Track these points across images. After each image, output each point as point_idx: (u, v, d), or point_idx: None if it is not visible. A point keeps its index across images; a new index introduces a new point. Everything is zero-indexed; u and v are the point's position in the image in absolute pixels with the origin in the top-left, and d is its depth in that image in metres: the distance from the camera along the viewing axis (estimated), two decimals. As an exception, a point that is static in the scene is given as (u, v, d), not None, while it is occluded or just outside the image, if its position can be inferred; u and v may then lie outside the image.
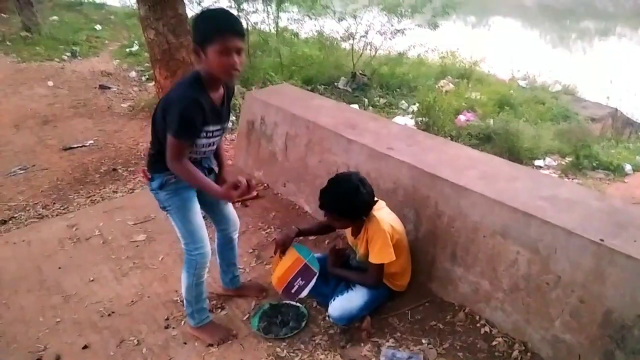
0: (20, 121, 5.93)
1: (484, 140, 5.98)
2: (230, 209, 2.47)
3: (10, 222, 3.73)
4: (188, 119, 1.88)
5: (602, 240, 1.97)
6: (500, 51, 11.16)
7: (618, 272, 1.91)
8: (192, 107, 1.87)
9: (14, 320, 2.63)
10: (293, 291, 2.46)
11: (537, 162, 5.80)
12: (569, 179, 5.37)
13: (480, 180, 2.50)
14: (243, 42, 1.89)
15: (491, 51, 10.40)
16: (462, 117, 6.53)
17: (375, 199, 2.38)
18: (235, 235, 2.57)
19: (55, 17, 11.92)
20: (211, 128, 2.04)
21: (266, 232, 3.37)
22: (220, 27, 1.83)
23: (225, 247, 2.56)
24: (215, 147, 2.19)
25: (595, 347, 2.00)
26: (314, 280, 2.44)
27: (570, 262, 2.05)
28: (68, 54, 9.26)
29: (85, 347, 2.43)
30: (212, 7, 4.26)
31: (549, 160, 5.86)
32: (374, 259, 2.32)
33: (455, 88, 7.88)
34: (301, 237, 2.84)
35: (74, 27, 11.20)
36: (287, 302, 2.58)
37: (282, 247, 2.54)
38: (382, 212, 2.40)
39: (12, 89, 7.18)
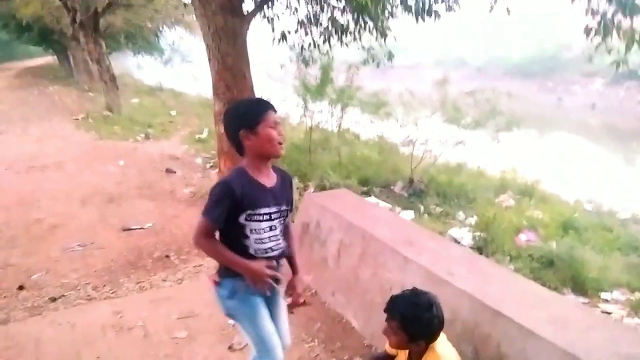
0: (87, 197, 6.23)
1: (545, 264, 5.64)
2: (285, 327, 2.34)
3: (60, 300, 3.77)
4: (214, 200, 1.95)
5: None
6: (563, 169, 10.96)
7: None
8: (221, 189, 1.96)
9: (43, 412, 2.55)
10: None
11: (604, 295, 5.37)
12: (639, 317, 4.91)
13: (549, 324, 2.28)
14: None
15: (554, 168, 10.22)
16: (522, 237, 6.25)
17: None
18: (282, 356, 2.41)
19: (136, 100, 12.97)
20: (265, 210, 2.02)
21: (309, 346, 3.19)
22: (263, 106, 2.04)
23: None
24: (279, 234, 2.13)
25: None
26: None
27: None
28: (142, 135, 9.91)
29: None
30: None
31: (616, 294, 5.41)
32: (429, 400, 2.11)
33: (516, 205, 7.65)
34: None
35: (152, 110, 12.11)
36: None
37: None
38: (443, 347, 2.21)
39: (86, 165, 7.67)
